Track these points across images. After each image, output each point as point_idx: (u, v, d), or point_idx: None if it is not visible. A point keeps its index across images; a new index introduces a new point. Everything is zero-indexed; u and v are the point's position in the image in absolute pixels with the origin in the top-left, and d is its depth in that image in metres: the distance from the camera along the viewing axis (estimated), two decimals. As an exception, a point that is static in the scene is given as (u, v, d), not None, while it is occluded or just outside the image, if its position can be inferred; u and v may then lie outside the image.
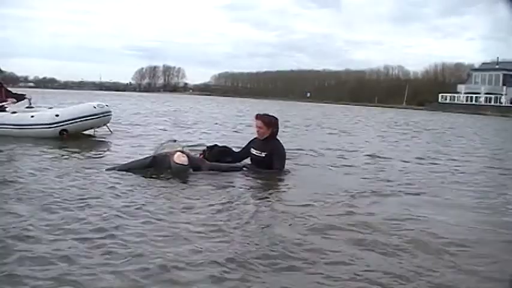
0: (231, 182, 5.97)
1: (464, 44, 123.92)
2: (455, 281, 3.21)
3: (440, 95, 69.03)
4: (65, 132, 9.76)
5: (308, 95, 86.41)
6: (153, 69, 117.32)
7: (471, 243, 3.98)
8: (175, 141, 7.34)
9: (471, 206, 5.52)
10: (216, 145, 7.07)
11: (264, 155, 6.53)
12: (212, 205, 4.82)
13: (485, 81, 66.70)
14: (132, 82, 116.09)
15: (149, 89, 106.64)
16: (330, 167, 7.81)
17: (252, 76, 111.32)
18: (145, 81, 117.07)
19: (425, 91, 72.47)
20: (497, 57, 69.61)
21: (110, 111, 10.68)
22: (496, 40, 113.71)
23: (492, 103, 61.91)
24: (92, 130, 10.60)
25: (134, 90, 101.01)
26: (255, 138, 6.88)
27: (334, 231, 4.14)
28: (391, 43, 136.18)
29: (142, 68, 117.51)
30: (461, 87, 68.55)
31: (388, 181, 6.75)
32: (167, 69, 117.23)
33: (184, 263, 3.28)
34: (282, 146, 6.78)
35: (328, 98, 78.69)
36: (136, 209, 4.58)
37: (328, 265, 3.39)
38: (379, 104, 71.24)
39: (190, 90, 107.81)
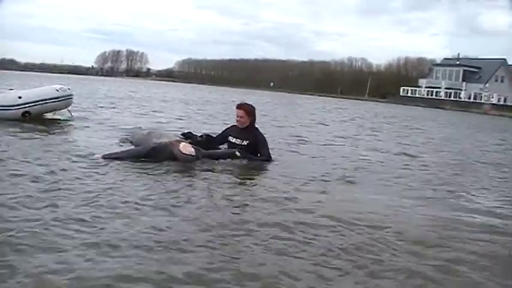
0: (231, 170, 5.89)
1: (428, 39, 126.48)
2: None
3: (402, 88, 70.04)
4: (27, 115, 9.63)
5: (272, 84, 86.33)
6: (116, 54, 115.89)
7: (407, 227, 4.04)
8: (140, 128, 7.39)
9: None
10: (190, 132, 6.92)
11: (246, 143, 6.54)
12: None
13: (446, 76, 68.00)
14: (95, 66, 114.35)
15: (111, 73, 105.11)
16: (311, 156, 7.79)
17: (216, 63, 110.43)
18: (108, 65, 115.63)
19: (388, 84, 73.51)
20: (458, 54, 71.44)
21: (71, 95, 10.55)
22: (458, 37, 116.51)
23: (452, 98, 63.18)
24: (68, 114, 10.62)
25: (96, 74, 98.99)
26: (231, 127, 6.89)
27: (303, 215, 4.14)
28: (356, 35, 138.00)
29: (105, 52, 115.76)
30: (422, 82, 69.79)
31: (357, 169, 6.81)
32: (130, 54, 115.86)
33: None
34: (262, 133, 6.81)
35: (292, 88, 78.66)
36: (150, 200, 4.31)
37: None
38: (341, 95, 71.71)
39: (153, 76, 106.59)
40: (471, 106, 56.40)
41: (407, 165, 7.73)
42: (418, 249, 3.49)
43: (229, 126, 7.02)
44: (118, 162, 5.69)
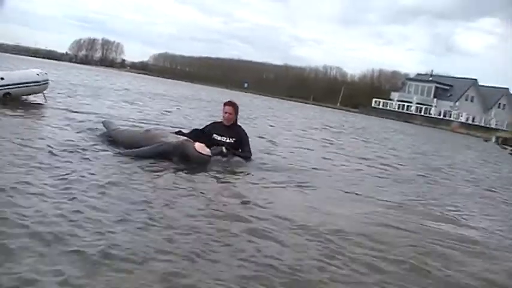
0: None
1: (404, 53, 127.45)
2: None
3: (374, 99, 70.37)
4: (8, 96, 10.09)
5: (246, 85, 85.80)
6: (92, 42, 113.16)
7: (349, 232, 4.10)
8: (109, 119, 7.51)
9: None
10: (180, 131, 6.91)
11: (232, 141, 6.68)
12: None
13: (418, 91, 68.52)
14: (69, 52, 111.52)
15: (86, 61, 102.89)
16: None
17: (192, 60, 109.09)
18: (83, 52, 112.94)
19: (361, 94, 73.63)
20: (432, 70, 72.32)
21: (48, 80, 11.14)
22: (433, 54, 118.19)
23: (422, 113, 63.68)
24: (43, 98, 11.14)
25: (70, 60, 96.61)
26: (215, 124, 7.01)
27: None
28: (333, 44, 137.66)
29: (81, 39, 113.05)
30: (394, 95, 70.17)
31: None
32: (106, 43, 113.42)
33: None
34: (245, 131, 7.01)
35: (266, 91, 78.50)
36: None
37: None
38: (314, 102, 71.75)
39: (128, 68, 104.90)
40: (440, 123, 56.97)
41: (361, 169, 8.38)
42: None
43: (209, 123, 7.11)
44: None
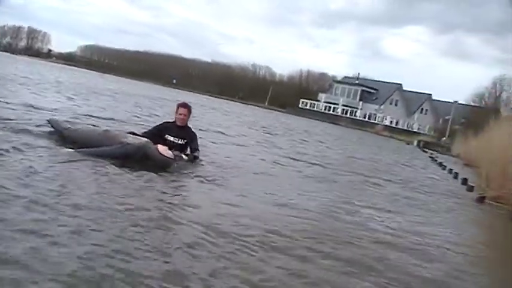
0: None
1: (332, 56, 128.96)
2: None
3: (301, 100, 70.43)
4: None
5: (174, 81, 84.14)
6: (17, 29, 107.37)
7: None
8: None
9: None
10: (133, 132, 6.57)
11: (184, 142, 6.77)
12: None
13: (344, 93, 69.12)
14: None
15: (9, 49, 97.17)
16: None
17: (120, 53, 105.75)
18: (6, 40, 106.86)
19: (288, 94, 73.60)
20: (358, 74, 73.26)
21: None
22: (361, 57, 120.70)
23: (348, 115, 64.33)
24: None
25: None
26: (166, 124, 7.01)
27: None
28: (262, 44, 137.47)
29: (4, 26, 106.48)
30: (321, 96, 70.67)
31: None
32: (32, 32, 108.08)
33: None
34: (194, 131, 7.09)
35: (194, 87, 77.14)
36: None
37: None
38: (241, 100, 71.02)
39: (54, 58, 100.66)
40: (365, 125, 57.62)
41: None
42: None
43: (161, 123, 7.15)
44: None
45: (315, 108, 68.30)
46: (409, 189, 9.14)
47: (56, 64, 74.80)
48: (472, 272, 4.23)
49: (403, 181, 10.29)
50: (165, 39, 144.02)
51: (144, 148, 5.76)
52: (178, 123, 6.87)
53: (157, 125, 7.06)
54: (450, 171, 14.65)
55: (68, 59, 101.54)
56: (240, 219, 4.32)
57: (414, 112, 67.08)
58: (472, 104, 51.15)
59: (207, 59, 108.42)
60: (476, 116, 38.55)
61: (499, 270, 4.84)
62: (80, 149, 5.68)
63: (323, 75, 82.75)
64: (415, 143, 38.76)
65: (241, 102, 65.20)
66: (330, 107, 67.31)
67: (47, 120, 6.92)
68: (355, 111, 65.06)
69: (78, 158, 5.40)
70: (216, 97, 66.59)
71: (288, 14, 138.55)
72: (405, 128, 60.54)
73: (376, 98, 67.01)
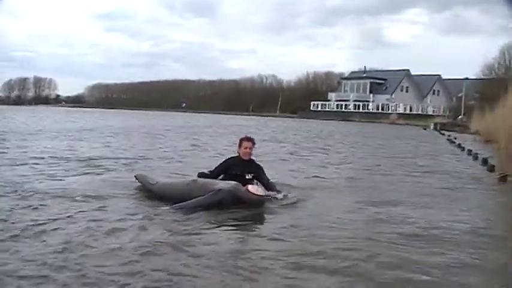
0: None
1: (335, 53, 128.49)
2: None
3: (312, 102, 70.21)
4: None
5: (184, 105, 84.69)
6: (23, 81, 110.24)
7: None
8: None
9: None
10: (203, 173, 6.75)
11: (251, 176, 6.60)
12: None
13: (354, 89, 68.86)
14: (1, 95, 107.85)
15: (19, 101, 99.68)
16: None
17: (127, 87, 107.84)
18: (15, 93, 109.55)
19: (298, 99, 73.47)
20: (365, 67, 72.88)
21: None
22: (364, 49, 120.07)
23: (360, 110, 63.99)
24: None
25: (3, 103, 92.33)
26: (231, 159, 6.87)
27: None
28: (264, 52, 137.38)
29: (11, 80, 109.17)
30: (331, 95, 70.34)
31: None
32: (38, 81, 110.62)
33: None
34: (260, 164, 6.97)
35: (204, 108, 77.67)
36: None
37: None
38: (253, 112, 71.04)
39: (63, 102, 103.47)
40: (379, 117, 57.24)
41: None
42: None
43: (226, 159, 6.99)
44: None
45: (326, 109, 68.02)
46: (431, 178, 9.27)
47: (68, 108, 76.00)
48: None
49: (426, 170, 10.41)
50: (170, 65, 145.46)
51: (236, 191, 5.76)
52: (243, 157, 6.77)
53: (223, 162, 6.91)
54: (469, 152, 14.37)
55: (77, 101, 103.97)
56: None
57: (426, 95, 66.51)
58: (483, 77, 50.27)
59: (214, 77, 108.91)
60: (489, 88, 37.80)
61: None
62: (176, 205, 5.70)
63: (329, 74, 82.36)
64: (432, 126, 38.31)
65: (254, 115, 65.19)
66: (341, 105, 67.00)
67: (135, 176, 7.03)
68: (367, 105, 64.67)
69: (179, 214, 5.44)
70: (227, 113, 66.89)
71: (285, 18, 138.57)
72: (419, 112, 60.03)
73: (386, 88, 66.58)
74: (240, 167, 6.64)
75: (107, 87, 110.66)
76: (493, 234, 5.02)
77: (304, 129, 30.44)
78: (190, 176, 6.76)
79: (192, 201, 5.73)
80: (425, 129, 37.71)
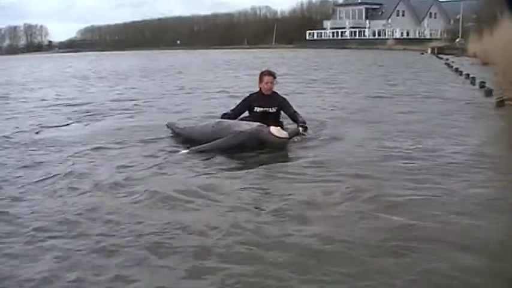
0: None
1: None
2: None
3: (307, 32, 69.33)
4: None
5: (178, 42, 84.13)
6: (13, 30, 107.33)
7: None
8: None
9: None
10: (226, 113, 6.65)
11: (275, 110, 6.58)
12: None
13: (349, 15, 67.76)
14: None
15: (11, 51, 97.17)
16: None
17: (119, 28, 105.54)
18: (6, 42, 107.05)
19: (294, 29, 72.29)
20: (360, -9, 71.04)
21: None
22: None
23: (357, 37, 63.20)
24: None
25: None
26: (252, 96, 6.75)
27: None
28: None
29: (1, 29, 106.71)
30: (327, 23, 69.36)
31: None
32: (29, 28, 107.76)
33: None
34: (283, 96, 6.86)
35: (199, 43, 76.94)
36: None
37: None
38: (249, 45, 70.36)
39: (56, 48, 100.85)
40: (377, 43, 56.53)
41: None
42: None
43: (247, 96, 6.85)
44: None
45: (322, 37, 67.22)
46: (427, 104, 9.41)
47: (62, 54, 74.96)
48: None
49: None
50: (160, 2, 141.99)
51: (257, 133, 5.58)
52: (265, 92, 6.62)
53: (244, 99, 6.82)
54: (467, 76, 14.43)
55: (70, 45, 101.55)
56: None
57: (423, 19, 65.48)
58: (481, -4, 49.25)
59: (207, 12, 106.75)
60: (487, 8, 37.15)
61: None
62: (193, 148, 5.64)
63: (324, 3, 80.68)
64: (429, 50, 38.02)
65: (249, 48, 64.54)
66: (337, 33, 66.14)
67: (166, 125, 7.00)
68: (363, 31, 63.83)
69: (195, 158, 5.37)
70: (224, 48, 66.27)
71: None
72: (417, 36, 59.23)
73: (382, 13, 65.51)
74: (262, 102, 6.59)
75: (99, 29, 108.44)
76: (490, 155, 5.16)
77: (311, 61, 30.14)
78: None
79: (211, 143, 5.63)
80: (422, 53, 37.44)
